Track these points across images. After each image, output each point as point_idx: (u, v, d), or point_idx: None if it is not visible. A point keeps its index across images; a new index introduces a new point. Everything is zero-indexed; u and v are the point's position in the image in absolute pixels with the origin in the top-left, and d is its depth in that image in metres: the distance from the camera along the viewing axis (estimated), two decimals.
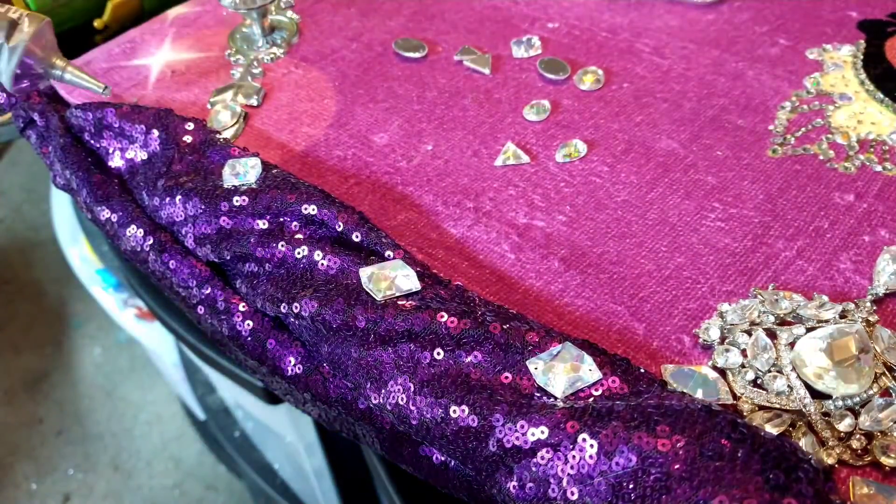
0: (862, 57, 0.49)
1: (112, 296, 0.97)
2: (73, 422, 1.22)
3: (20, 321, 1.36)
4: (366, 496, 0.75)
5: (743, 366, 0.32)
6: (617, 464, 0.27)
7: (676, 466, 0.26)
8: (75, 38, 0.57)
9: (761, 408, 0.31)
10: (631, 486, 0.27)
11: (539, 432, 0.29)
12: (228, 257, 0.40)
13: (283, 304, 0.36)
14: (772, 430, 0.29)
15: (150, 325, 0.95)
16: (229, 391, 0.84)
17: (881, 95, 0.46)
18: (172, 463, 1.17)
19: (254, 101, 0.48)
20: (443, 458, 0.35)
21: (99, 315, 1.37)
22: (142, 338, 0.98)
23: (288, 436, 0.75)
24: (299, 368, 0.38)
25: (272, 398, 0.63)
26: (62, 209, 1.02)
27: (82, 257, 1.00)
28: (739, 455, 0.26)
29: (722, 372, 0.32)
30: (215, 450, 1.13)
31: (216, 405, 0.95)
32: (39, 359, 1.31)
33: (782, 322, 0.33)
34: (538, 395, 0.31)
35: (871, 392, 0.30)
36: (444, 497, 0.38)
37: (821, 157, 0.42)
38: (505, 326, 0.33)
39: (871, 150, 0.43)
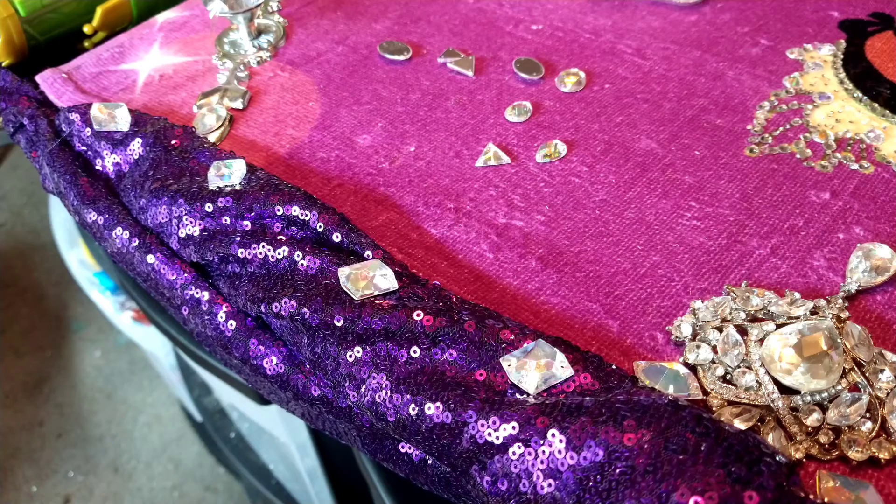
0: (842, 56, 0.49)
1: (109, 299, 0.98)
2: (74, 424, 1.23)
3: (21, 324, 1.37)
4: (359, 496, 0.75)
5: (713, 362, 0.32)
6: (584, 458, 0.28)
7: (641, 460, 0.27)
8: (65, 44, 0.57)
9: (730, 403, 0.31)
10: (597, 479, 0.27)
11: (510, 428, 0.30)
12: (212, 258, 0.40)
13: (264, 304, 0.37)
14: (741, 424, 0.30)
15: (147, 329, 0.96)
16: (224, 393, 0.85)
17: (860, 94, 0.46)
18: (172, 464, 1.18)
19: (239, 105, 0.49)
20: (421, 455, 0.36)
21: (99, 318, 1.38)
22: (139, 340, 0.99)
23: (281, 436, 0.75)
24: (281, 367, 0.39)
25: (263, 398, 0.64)
26: (61, 213, 1.03)
27: (80, 261, 1.01)
28: (703, 449, 0.26)
29: (693, 368, 0.32)
30: (214, 451, 1.14)
31: (212, 407, 0.96)
32: (40, 362, 1.32)
33: (753, 319, 0.34)
34: (511, 391, 0.32)
35: (839, 387, 0.31)
36: (438, 497, 0.38)
37: (798, 156, 0.43)
38: (480, 324, 0.33)
39: (849, 148, 0.43)
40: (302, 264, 0.37)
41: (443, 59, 0.52)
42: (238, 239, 0.39)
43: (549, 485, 0.28)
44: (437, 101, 0.49)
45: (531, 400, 0.31)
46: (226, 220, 0.40)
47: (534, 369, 0.32)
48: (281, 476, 0.89)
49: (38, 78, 0.52)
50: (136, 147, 0.45)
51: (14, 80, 0.51)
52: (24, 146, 0.49)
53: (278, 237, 0.39)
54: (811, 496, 0.27)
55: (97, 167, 0.47)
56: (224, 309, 0.40)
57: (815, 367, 0.31)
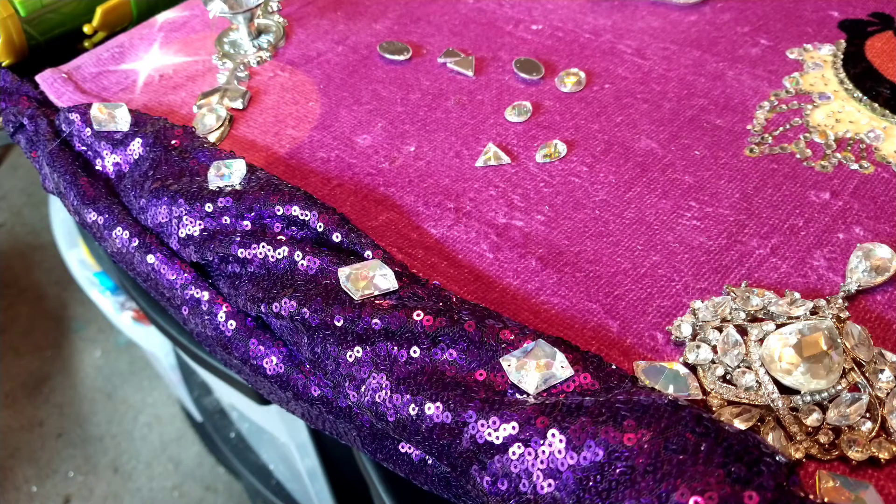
0: (842, 56, 0.49)
1: (109, 299, 0.98)
2: (74, 424, 1.23)
3: (21, 324, 1.37)
4: (359, 496, 0.75)
5: (713, 362, 0.32)
6: (584, 458, 0.28)
7: (641, 460, 0.27)
8: (65, 44, 0.57)
9: (730, 403, 0.31)
10: (597, 479, 0.27)
11: (510, 428, 0.30)
12: (212, 258, 0.40)
13: (264, 304, 0.37)
14: (741, 424, 0.30)
15: (147, 329, 0.96)
16: (224, 393, 0.85)
17: (859, 94, 0.46)
18: (172, 464, 1.17)
19: (239, 105, 0.49)
20: (421, 455, 0.36)
21: (99, 318, 1.38)
22: (139, 340, 0.99)
23: (281, 436, 0.75)
24: (281, 367, 0.39)
25: (263, 398, 0.64)
26: (61, 213, 1.03)
27: (80, 261, 1.01)
28: (703, 448, 0.26)
29: (693, 368, 0.32)
30: (214, 451, 1.14)
31: (212, 407, 0.96)
32: (40, 362, 1.32)
33: (753, 319, 0.34)
34: (511, 391, 0.32)
35: (839, 387, 0.31)
36: (438, 497, 0.38)
37: (798, 156, 0.43)
38: (480, 324, 0.33)
39: (849, 148, 0.43)
40: (302, 264, 0.37)
41: (443, 59, 0.52)
42: (238, 239, 0.39)
43: (549, 485, 0.28)
44: (437, 101, 0.49)
45: (531, 400, 0.31)
46: (226, 220, 0.40)
47: (534, 369, 0.32)
48: (281, 476, 0.89)
49: (38, 78, 0.52)
50: (136, 147, 0.45)
51: (14, 80, 0.51)
52: (24, 146, 0.49)
53: (278, 237, 0.39)
54: (811, 496, 0.27)
55: (97, 167, 0.47)
56: (224, 309, 0.40)
57: (815, 367, 0.31)
